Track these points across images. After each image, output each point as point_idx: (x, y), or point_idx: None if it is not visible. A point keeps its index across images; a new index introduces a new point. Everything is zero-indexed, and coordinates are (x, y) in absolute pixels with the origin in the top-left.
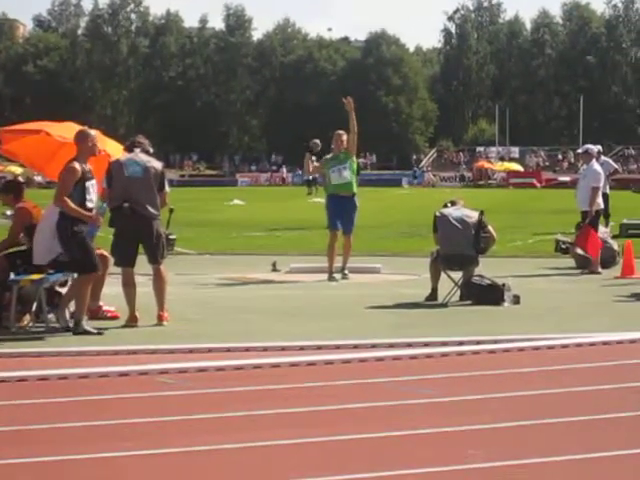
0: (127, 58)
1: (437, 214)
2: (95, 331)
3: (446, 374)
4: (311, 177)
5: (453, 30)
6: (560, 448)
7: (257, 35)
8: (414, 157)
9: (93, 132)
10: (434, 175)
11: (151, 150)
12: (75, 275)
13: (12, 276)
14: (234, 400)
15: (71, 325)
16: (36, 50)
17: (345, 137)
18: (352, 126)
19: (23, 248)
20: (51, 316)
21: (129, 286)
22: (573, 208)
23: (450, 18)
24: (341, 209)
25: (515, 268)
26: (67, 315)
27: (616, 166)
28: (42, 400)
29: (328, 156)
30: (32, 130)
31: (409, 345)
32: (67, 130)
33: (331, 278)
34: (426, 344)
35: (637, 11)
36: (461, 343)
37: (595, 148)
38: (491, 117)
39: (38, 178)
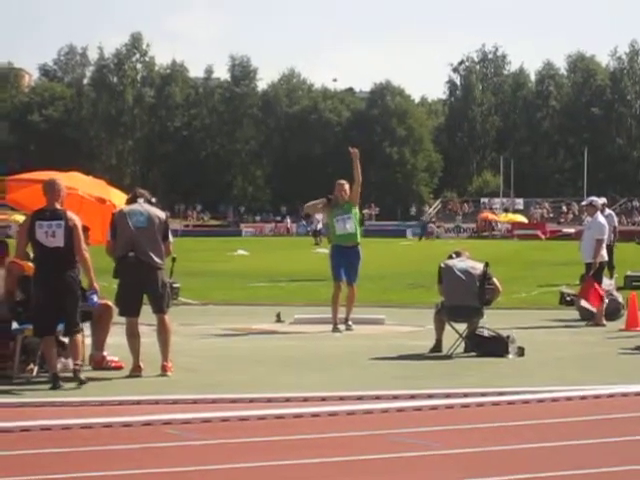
0: (132, 108)
1: (442, 265)
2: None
3: (450, 426)
4: (318, 227)
5: (458, 81)
6: None
7: (262, 85)
8: (414, 209)
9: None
10: (438, 227)
11: (153, 200)
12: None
13: (15, 325)
14: (239, 451)
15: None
16: (41, 99)
17: (347, 187)
18: (357, 176)
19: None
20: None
21: (133, 336)
22: (577, 260)
23: (455, 69)
24: (345, 259)
25: (519, 320)
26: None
27: (615, 223)
28: (45, 450)
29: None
30: (37, 180)
31: (413, 397)
32: (72, 180)
33: (335, 329)
34: (430, 396)
35: None
36: (465, 395)
37: (600, 200)
38: (495, 168)
39: None
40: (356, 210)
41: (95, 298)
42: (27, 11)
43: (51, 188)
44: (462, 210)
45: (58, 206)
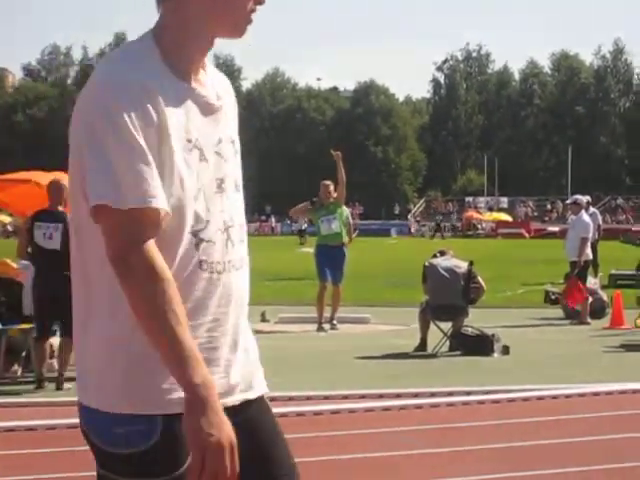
0: None
1: (426, 264)
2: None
3: (435, 425)
4: (303, 226)
5: (442, 80)
6: None
7: (246, 85)
8: (397, 208)
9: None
10: (422, 225)
11: None
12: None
13: None
14: None
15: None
16: (25, 99)
17: (332, 187)
18: (340, 178)
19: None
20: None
21: None
22: (562, 258)
23: (439, 68)
24: (330, 259)
25: (504, 318)
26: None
27: (600, 222)
28: (31, 450)
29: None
30: (21, 180)
31: (398, 396)
32: None
33: (320, 328)
34: (415, 395)
35: (625, 62)
36: (450, 394)
37: (584, 199)
38: (480, 167)
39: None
40: (342, 209)
41: None
42: (10, 11)
43: (55, 189)
44: (446, 209)
45: (60, 208)
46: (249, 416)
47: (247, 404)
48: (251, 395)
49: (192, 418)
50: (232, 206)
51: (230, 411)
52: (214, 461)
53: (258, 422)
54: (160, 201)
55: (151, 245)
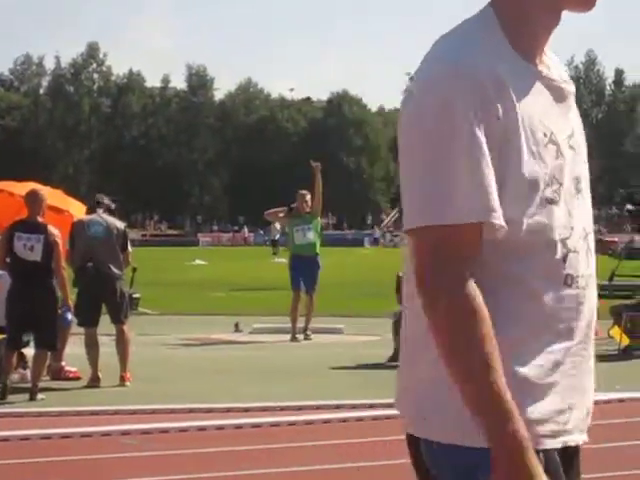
0: (89, 117)
1: (400, 274)
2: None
3: None
4: (276, 237)
5: None
6: None
7: (219, 95)
8: (370, 218)
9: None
10: (395, 235)
11: (113, 206)
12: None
13: None
14: (197, 461)
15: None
16: None
17: (309, 197)
18: (317, 188)
19: None
20: (15, 376)
21: (92, 346)
22: None
23: (412, 79)
24: (304, 269)
25: None
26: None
27: None
28: (3, 461)
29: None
30: None
31: (372, 406)
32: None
33: (294, 339)
34: (389, 405)
35: (597, 72)
36: None
37: None
38: None
39: None
40: (318, 220)
41: (69, 316)
42: None
43: (34, 200)
44: None
45: (40, 219)
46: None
47: (576, 451)
48: (582, 439)
49: (499, 472)
50: (588, 210)
51: (560, 453)
52: None
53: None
54: (498, 215)
55: (465, 270)
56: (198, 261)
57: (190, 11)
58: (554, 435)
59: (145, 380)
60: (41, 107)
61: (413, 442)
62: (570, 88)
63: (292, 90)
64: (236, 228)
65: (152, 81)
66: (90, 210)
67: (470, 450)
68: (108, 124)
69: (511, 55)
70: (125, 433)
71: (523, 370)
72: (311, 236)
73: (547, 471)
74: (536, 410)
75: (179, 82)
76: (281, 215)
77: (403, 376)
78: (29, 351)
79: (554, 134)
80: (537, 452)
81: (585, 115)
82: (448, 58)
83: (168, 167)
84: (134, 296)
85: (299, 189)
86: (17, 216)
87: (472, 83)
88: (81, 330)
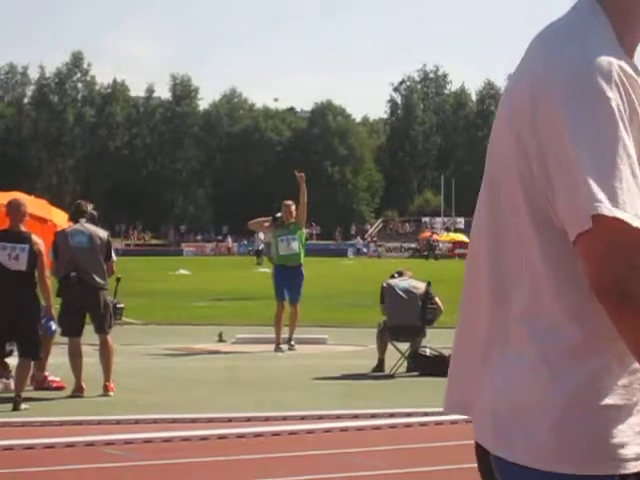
0: (73, 127)
1: (384, 285)
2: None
3: (394, 446)
4: (260, 247)
5: (399, 101)
6: None
7: (203, 105)
8: (354, 229)
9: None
10: (379, 246)
11: (95, 213)
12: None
13: None
14: (181, 472)
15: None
16: None
17: (294, 207)
18: (302, 198)
19: None
20: None
21: (75, 356)
22: None
23: (396, 89)
24: (288, 279)
25: None
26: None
27: None
28: None
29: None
30: None
31: (356, 417)
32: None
33: (278, 349)
34: (373, 415)
35: None
36: (409, 415)
37: None
38: (437, 187)
39: None
40: (302, 230)
41: (53, 326)
42: None
43: (15, 209)
44: (403, 229)
45: (22, 228)
46: None
47: None
48: None
49: None
50: None
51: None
52: None
53: None
54: None
55: None
56: (182, 271)
57: (174, 21)
58: (637, 458)
59: (129, 390)
60: (25, 116)
61: (482, 452)
62: None
63: (276, 100)
64: (220, 238)
65: (136, 91)
66: (72, 218)
67: (546, 475)
68: (92, 134)
69: (620, 51)
70: (109, 443)
71: (611, 389)
72: (295, 246)
73: None
74: (619, 433)
75: (163, 92)
76: (266, 225)
77: (488, 392)
78: (12, 360)
79: None
80: (615, 477)
81: None
82: (586, 55)
83: (152, 177)
84: (118, 306)
85: (283, 199)
86: (1, 225)
87: (614, 78)
88: (65, 340)
